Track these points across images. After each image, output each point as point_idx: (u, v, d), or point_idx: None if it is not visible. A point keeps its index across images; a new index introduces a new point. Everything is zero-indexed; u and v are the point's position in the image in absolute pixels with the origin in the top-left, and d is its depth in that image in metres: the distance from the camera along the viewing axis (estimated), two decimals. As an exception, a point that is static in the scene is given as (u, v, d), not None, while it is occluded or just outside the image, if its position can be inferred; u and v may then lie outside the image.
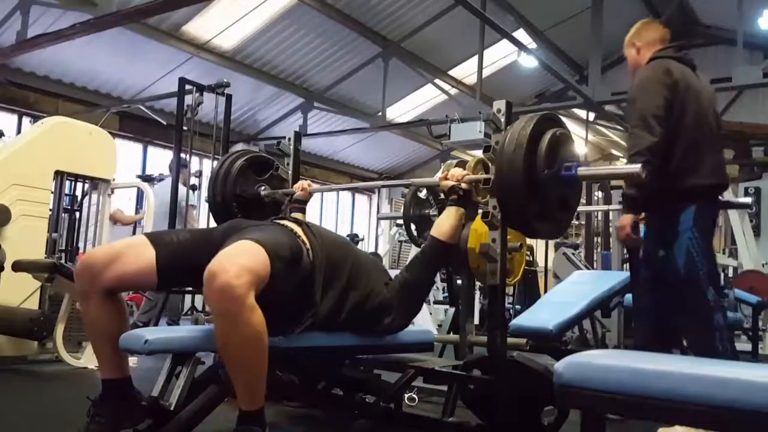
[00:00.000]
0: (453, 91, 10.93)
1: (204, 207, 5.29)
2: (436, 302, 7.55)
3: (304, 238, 1.96)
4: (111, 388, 1.86)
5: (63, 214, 4.31)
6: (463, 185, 2.18)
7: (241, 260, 1.66)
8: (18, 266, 3.68)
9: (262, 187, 2.69)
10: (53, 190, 4.18)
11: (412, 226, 3.19)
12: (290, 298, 1.87)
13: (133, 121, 9.18)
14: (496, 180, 1.82)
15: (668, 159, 2.58)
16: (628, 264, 3.20)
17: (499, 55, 10.04)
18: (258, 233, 1.83)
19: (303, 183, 2.65)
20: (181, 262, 1.92)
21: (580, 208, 6.72)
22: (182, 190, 5.18)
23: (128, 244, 1.94)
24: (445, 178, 2.21)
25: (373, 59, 9.85)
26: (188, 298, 6.67)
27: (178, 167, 4.86)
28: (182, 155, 4.97)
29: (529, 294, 6.00)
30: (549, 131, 1.80)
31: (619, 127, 12.01)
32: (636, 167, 1.83)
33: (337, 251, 2.04)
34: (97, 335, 1.91)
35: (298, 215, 2.56)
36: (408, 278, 2.17)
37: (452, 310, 3.51)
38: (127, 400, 1.83)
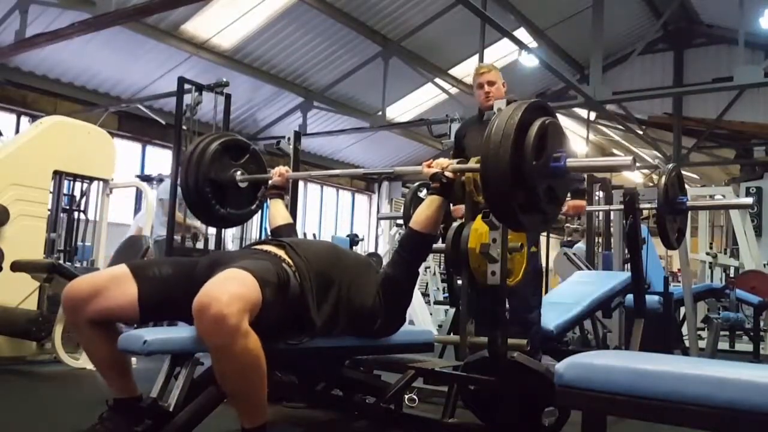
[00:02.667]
0: (453, 90, 10.91)
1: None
2: (437, 303, 7.54)
3: (288, 260, 1.93)
4: (121, 405, 1.86)
5: (61, 214, 4.30)
6: (447, 173, 2.09)
7: (230, 288, 1.63)
8: (16, 266, 3.67)
9: (238, 172, 2.56)
10: (52, 189, 4.16)
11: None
12: (286, 321, 1.85)
13: (131, 121, 9.18)
14: (482, 168, 1.73)
15: None
16: (629, 264, 3.18)
17: (499, 54, 10.02)
18: (244, 261, 1.80)
19: (281, 168, 2.58)
20: (163, 297, 1.89)
21: (580, 208, 6.69)
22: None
23: (111, 277, 1.88)
24: (429, 166, 2.14)
25: (373, 58, 9.84)
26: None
27: (178, 167, 4.83)
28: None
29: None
30: (538, 120, 1.73)
31: (620, 127, 12.02)
32: (627, 159, 1.80)
33: (324, 265, 2.00)
34: (95, 361, 1.92)
35: (276, 201, 2.54)
36: (390, 273, 2.11)
37: (452, 310, 3.51)
38: (137, 418, 1.80)
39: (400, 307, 2.17)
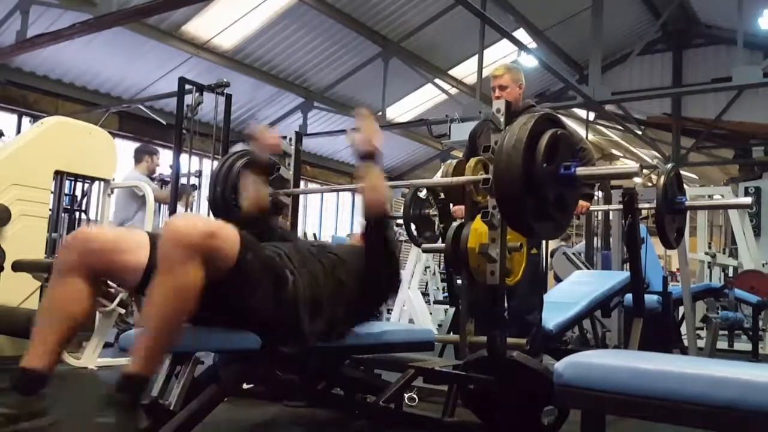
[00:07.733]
0: (453, 90, 10.92)
1: (203, 206, 5.28)
2: (437, 302, 7.54)
3: (292, 267, 1.94)
4: (27, 375, 1.80)
5: (63, 214, 4.30)
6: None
7: (210, 223, 1.67)
8: (18, 266, 3.67)
9: None
10: (53, 190, 4.17)
11: (412, 226, 3.19)
12: (277, 325, 1.86)
13: (132, 121, 9.18)
14: (495, 177, 1.84)
15: None
16: (628, 264, 3.19)
17: (499, 54, 10.04)
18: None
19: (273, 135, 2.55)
20: None
21: (580, 208, 6.71)
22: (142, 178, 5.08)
23: (128, 236, 1.83)
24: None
25: (373, 59, 9.85)
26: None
27: (178, 167, 4.84)
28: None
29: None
30: (549, 131, 1.83)
31: (619, 127, 12.03)
32: (635, 166, 1.90)
33: (326, 285, 2.00)
34: (57, 315, 1.78)
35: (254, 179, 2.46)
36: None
37: (452, 310, 3.52)
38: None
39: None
